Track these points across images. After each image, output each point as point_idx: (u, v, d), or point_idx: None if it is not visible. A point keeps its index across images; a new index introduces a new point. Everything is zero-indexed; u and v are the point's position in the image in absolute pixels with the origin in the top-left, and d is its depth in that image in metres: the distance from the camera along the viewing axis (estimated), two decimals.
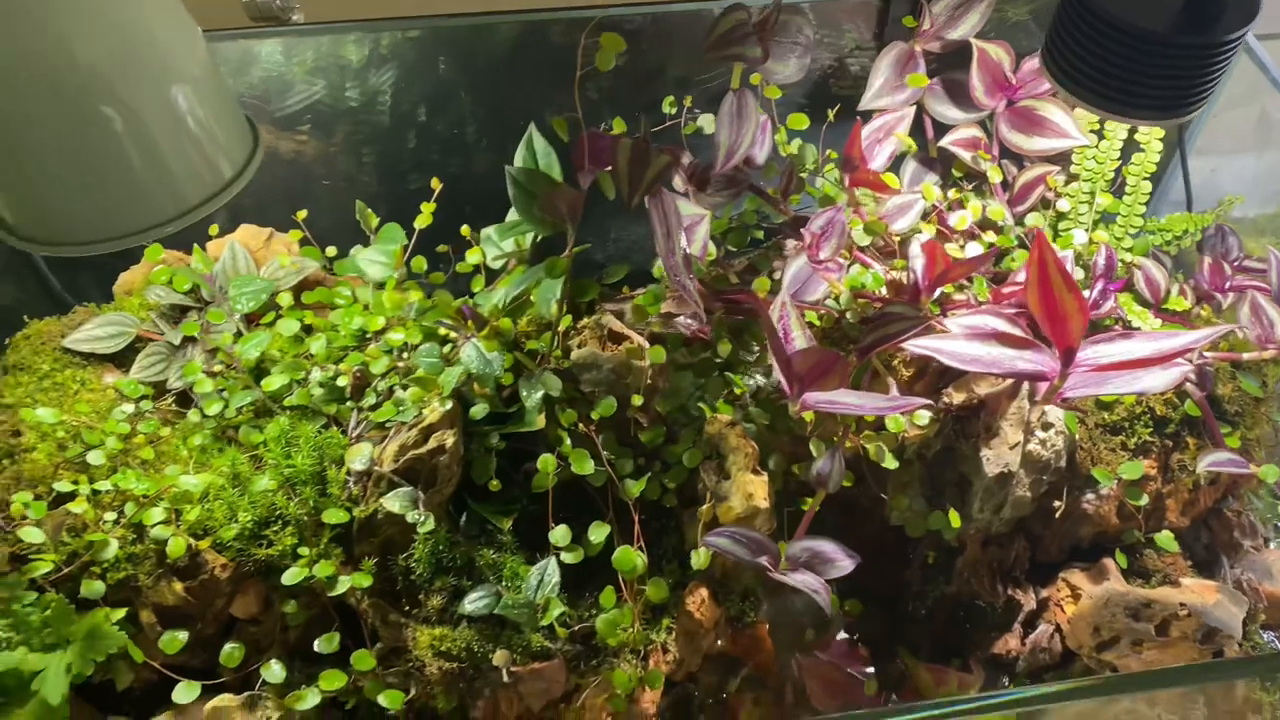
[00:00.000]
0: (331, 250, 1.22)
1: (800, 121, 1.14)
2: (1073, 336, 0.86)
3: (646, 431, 1.07)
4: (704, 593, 1.04)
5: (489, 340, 0.96)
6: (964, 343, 0.93)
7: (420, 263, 1.19)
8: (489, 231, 1.06)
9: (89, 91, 0.75)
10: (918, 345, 0.93)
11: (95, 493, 0.97)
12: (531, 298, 1.04)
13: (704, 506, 0.97)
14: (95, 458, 0.98)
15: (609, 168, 0.85)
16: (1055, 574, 1.15)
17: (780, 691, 1.18)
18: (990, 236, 1.13)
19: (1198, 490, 1.14)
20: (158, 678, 1.03)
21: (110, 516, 0.96)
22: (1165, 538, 1.10)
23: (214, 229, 1.26)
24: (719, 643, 1.08)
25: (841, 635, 1.16)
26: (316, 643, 0.99)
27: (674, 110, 1.23)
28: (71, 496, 0.96)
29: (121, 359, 1.15)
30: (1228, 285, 1.14)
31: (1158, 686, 0.97)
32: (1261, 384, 1.15)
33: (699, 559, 0.96)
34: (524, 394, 1.01)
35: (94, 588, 0.94)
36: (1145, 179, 1.18)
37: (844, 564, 0.94)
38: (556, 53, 1.35)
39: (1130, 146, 1.19)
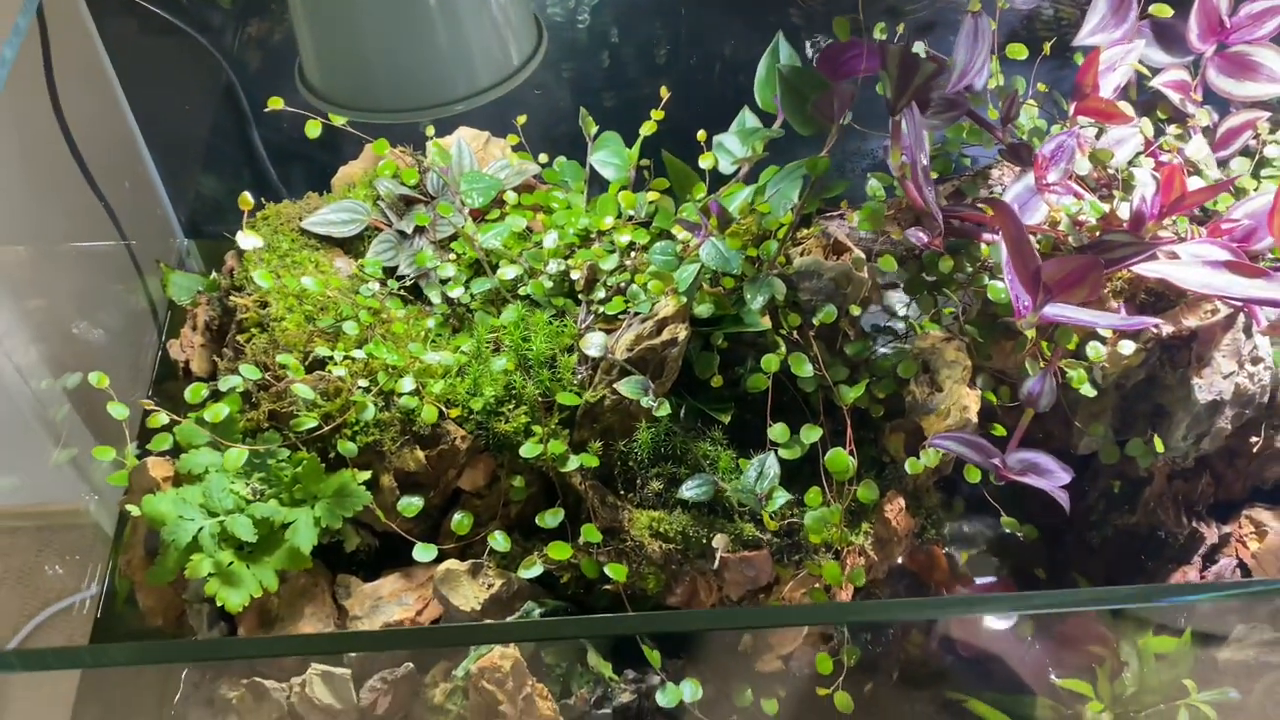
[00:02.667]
0: (543, 157, 1.27)
1: (1019, 52, 1.16)
2: None
3: (853, 343, 1.10)
4: (901, 502, 1.07)
5: (732, 239, 1.00)
6: (1197, 269, 0.95)
7: (625, 179, 1.22)
8: (722, 138, 1.10)
9: None
10: (1151, 269, 0.95)
11: (349, 359, 1.03)
12: (757, 206, 1.08)
13: (926, 409, 1.00)
14: (349, 328, 1.04)
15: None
16: (1238, 512, 1.17)
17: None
18: (1215, 174, 1.14)
19: None
20: (379, 543, 1.09)
21: (363, 383, 1.02)
22: None
23: (430, 129, 1.31)
24: (899, 558, 1.12)
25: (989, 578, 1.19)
26: (540, 517, 1.04)
27: (885, 36, 1.25)
28: (328, 361, 1.02)
29: (349, 245, 1.20)
30: None
31: None
32: None
33: (925, 458, 1.00)
34: (748, 295, 1.05)
35: (347, 448, 1.00)
36: None
37: (1060, 475, 0.97)
38: None
39: None
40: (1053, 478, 0.97)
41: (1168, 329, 1.08)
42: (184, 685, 1.08)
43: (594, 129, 1.21)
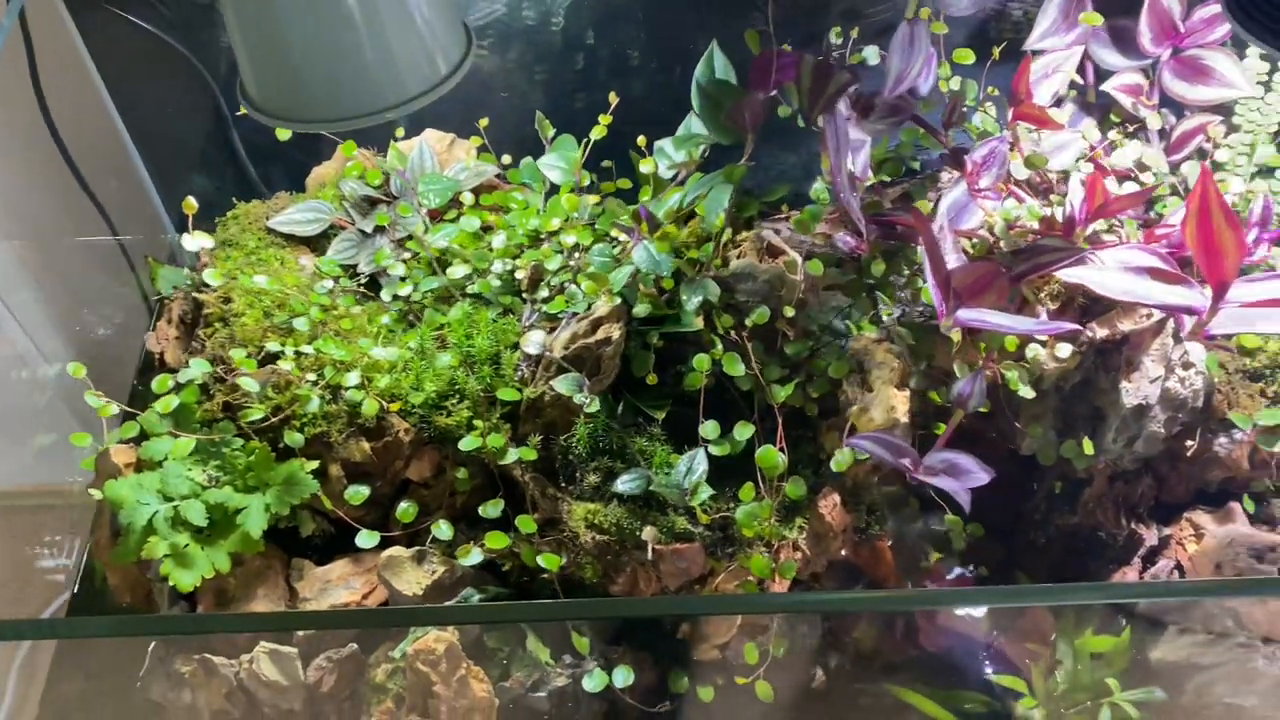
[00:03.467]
0: (506, 158, 1.31)
1: (965, 56, 1.18)
2: (1227, 270, 0.89)
3: (793, 344, 1.13)
4: (836, 498, 1.10)
5: (661, 243, 1.03)
6: (1118, 275, 0.96)
7: (584, 177, 1.26)
8: (662, 143, 1.13)
9: None
10: (1071, 275, 0.97)
11: (299, 355, 1.08)
12: (697, 210, 1.11)
13: (853, 409, 1.02)
14: (300, 324, 1.09)
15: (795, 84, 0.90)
16: (1179, 514, 1.18)
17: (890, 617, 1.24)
18: (1149, 179, 1.15)
19: None
20: (335, 529, 1.14)
21: (311, 377, 1.07)
22: None
23: (400, 131, 1.35)
24: (843, 551, 1.15)
25: (957, 571, 1.21)
26: (482, 507, 1.08)
27: (840, 40, 1.27)
28: (278, 356, 1.07)
29: (314, 243, 1.26)
30: None
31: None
32: None
33: (842, 459, 1.03)
34: (684, 297, 1.08)
35: (294, 438, 1.05)
36: None
37: (979, 475, 0.99)
38: None
39: None
40: (971, 478, 0.99)
41: (1103, 332, 1.10)
42: (149, 659, 1.14)
43: (550, 132, 1.24)
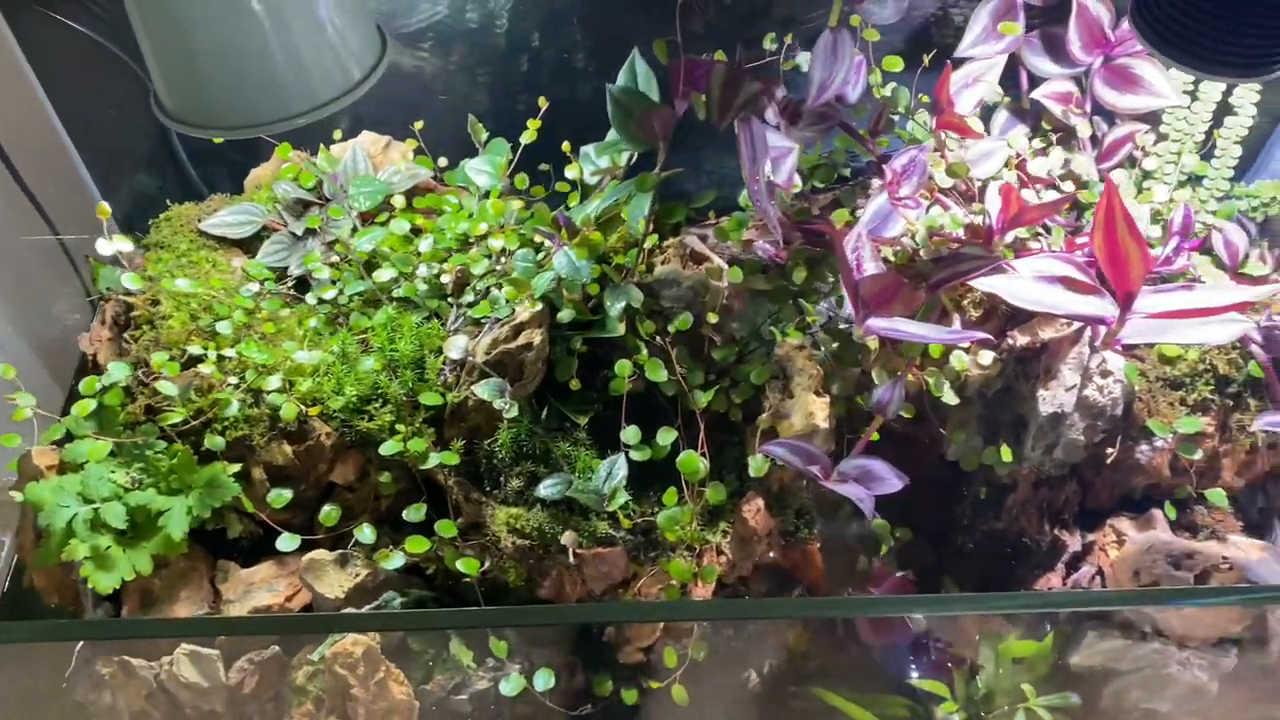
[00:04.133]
0: (443, 160, 1.31)
1: (894, 64, 1.18)
2: (1132, 281, 0.90)
3: (720, 349, 1.14)
4: (760, 502, 1.11)
5: (579, 249, 1.03)
6: (1029, 284, 0.97)
7: (522, 180, 1.27)
8: (588, 149, 1.13)
9: None
10: (984, 283, 0.98)
11: (221, 358, 1.08)
12: (623, 215, 1.11)
13: (763, 416, 1.03)
14: (223, 328, 1.09)
15: (704, 92, 0.91)
16: (1105, 520, 1.19)
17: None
18: (1070, 188, 1.15)
19: (1256, 452, 1.16)
20: (263, 532, 1.14)
21: (233, 381, 1.07)
22: (1216, 494, 1.13)
23: (338, 133, 1.35)
24: (771, 554, 1.15)
25: (898, 574, 1.21)
26: (405, 512, 1.08)
27: (775, 46, 1.27)
28: (201, 359, 1.07)
29: (248, 245, 1.26)
30: None
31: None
32: None
33: (756, 466, 1.03)
34: (608, 303, 1.09)
35: (215, 441, 1.05)
36: (1236, 143, 1.19)
37: (892, 482, 1.00)
38: None
39: (1224, 110, 1.20)
40: (883, 485, 1.00)
41: (1023, 340, 1.11)
42: (75, 660, 1.14)
43: (484, 135, 1.24)
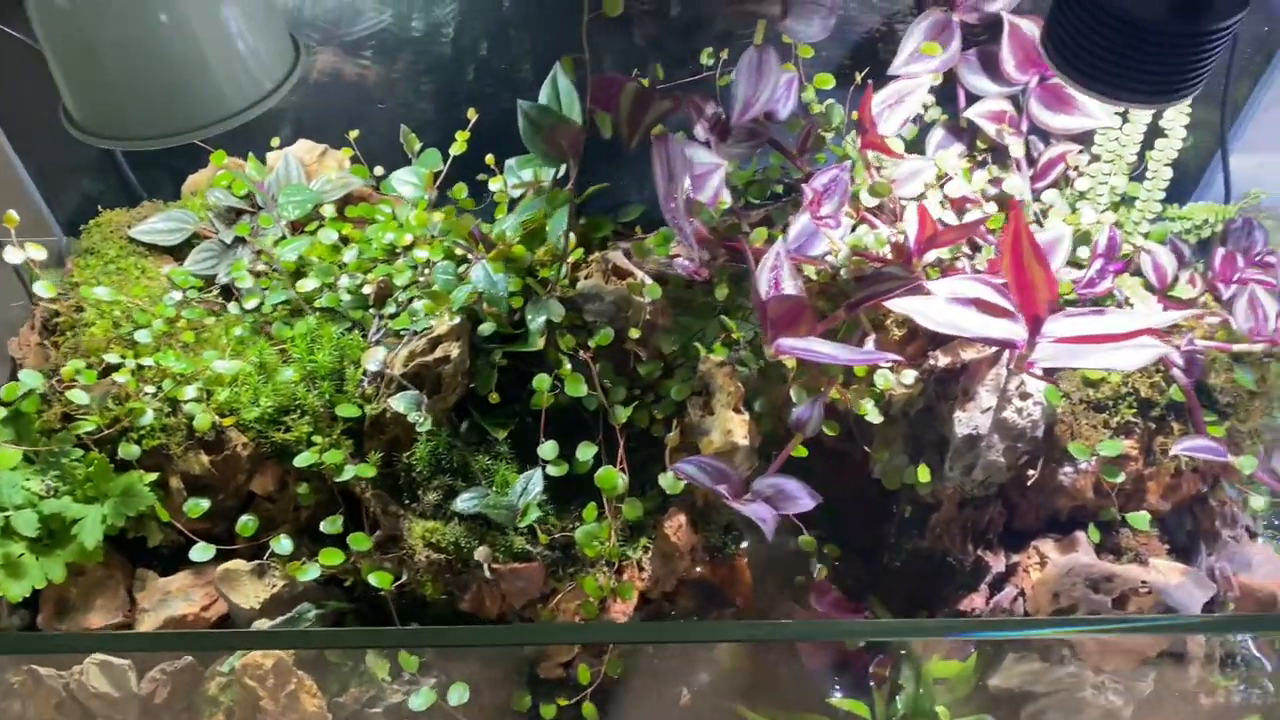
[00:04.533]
0: (380, 169, 1.31)
1: (825, 81, 1.18)
2: (1039, 306, 0.90)
3: (645, 365, 1.14)
4: (682, 518, 1.10)
5: (497, 263, 1.03)
6: (942, 306, 0.97)
7: (461, 189, 1.27)
8: (511, 162, 1.13)
9: (147, 4, 0.84)
10: (897, 304, 0.97)
11: (140, 367, 1.08)
12: (548, 229, 1.11)
13: (671, 434, 1.03)
14: (142, 336, 1.09)
15: (613, 111, 0.91)
16: (1030, 542, 1.18)
17: None
18: (993, 209, 1.15)
19: (1181, 476, 1.16)
20: (184, 540, 1.14)
21: (150, 389, 1.07)
22: (1138, 517, 1.13)
23: (275, 141, 1.35)
24: (698, 569, 1.15)
25: (836, 593, 1.21)
26: (323, 524, 1.08)
27: (712, 61, 1.27)
28: (119, 368, 1.07)
29: (180, 252, 1.26)
30: (1237, 277, 1.15)
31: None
32: (1260, 378, 1.16)
33: (668, 483, 1.03)
34: (529, 317, 1.09)
35: (130, 450, 1.05)
36: (1167, 165, 1.18)
37: (804, 502, 1.00)
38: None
39: (1155, 132, 1.20)
40: (794, 504, 1.00)
41: (945, 361, 1.10)
42: None
43: (417, 145, 1.24)
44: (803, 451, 1.08)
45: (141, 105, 0.89)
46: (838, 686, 1.22)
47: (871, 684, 1.19)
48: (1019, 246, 0.88)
